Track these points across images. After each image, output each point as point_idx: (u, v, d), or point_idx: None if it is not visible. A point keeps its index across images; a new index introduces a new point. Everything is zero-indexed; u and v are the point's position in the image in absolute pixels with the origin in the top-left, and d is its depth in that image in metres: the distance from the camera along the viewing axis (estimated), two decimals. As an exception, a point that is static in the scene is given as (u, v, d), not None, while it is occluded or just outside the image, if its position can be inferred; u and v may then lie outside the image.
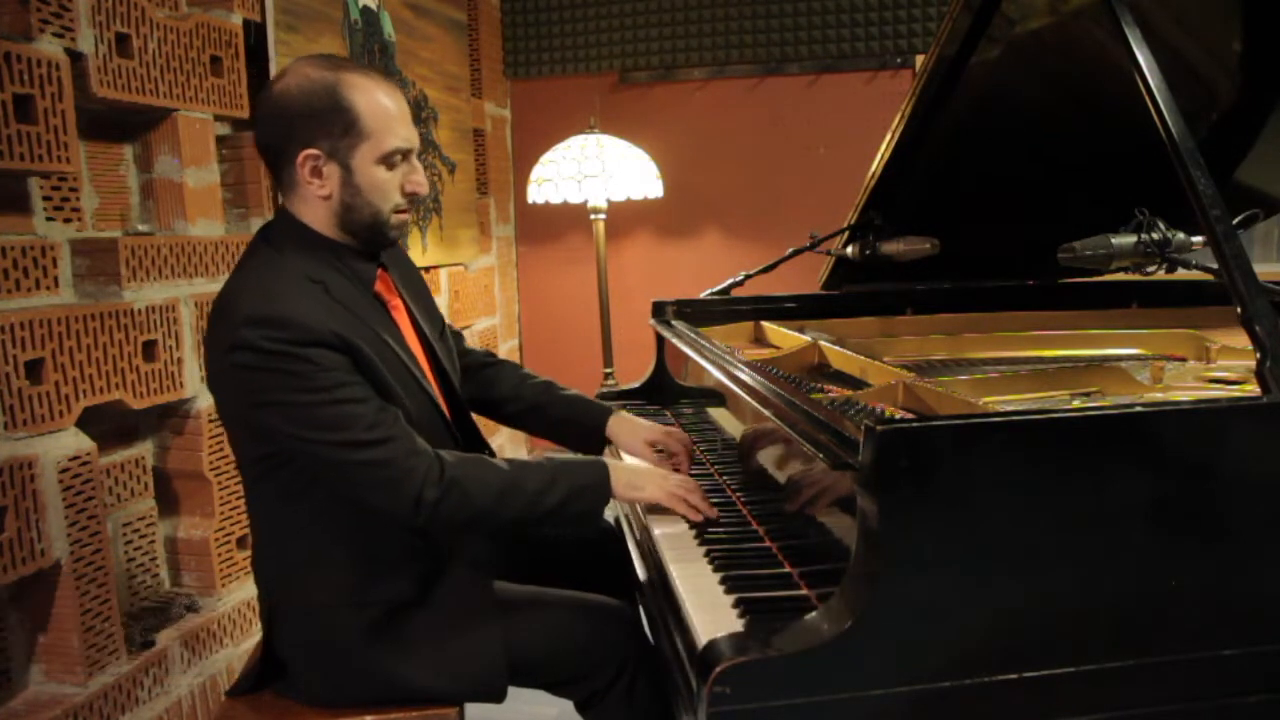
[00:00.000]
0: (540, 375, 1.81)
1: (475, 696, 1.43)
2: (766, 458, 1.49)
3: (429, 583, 1.44)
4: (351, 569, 1.41)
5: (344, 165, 1.37)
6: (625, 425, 1.70)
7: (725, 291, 2.35)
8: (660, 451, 1.67)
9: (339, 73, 1.37)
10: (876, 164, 2.08)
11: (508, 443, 3.86)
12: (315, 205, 1.40)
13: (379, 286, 1.48)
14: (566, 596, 1.51)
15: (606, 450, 1.75)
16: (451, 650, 1.41)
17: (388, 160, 1.39)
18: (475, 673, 1.41)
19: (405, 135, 1.40)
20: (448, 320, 1.73)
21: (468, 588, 1.46)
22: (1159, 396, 1.49)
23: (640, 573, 1.50)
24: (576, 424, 1.73)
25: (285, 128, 1.37)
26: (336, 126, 1.36)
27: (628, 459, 1.75)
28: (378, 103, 1.37)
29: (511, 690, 1.44)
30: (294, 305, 1.31)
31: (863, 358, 1.71)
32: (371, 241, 1.45)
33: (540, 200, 3.46)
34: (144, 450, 2.03)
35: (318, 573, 1.41)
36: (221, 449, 2.10)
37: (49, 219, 1.81)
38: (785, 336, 2.06)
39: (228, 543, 2.13)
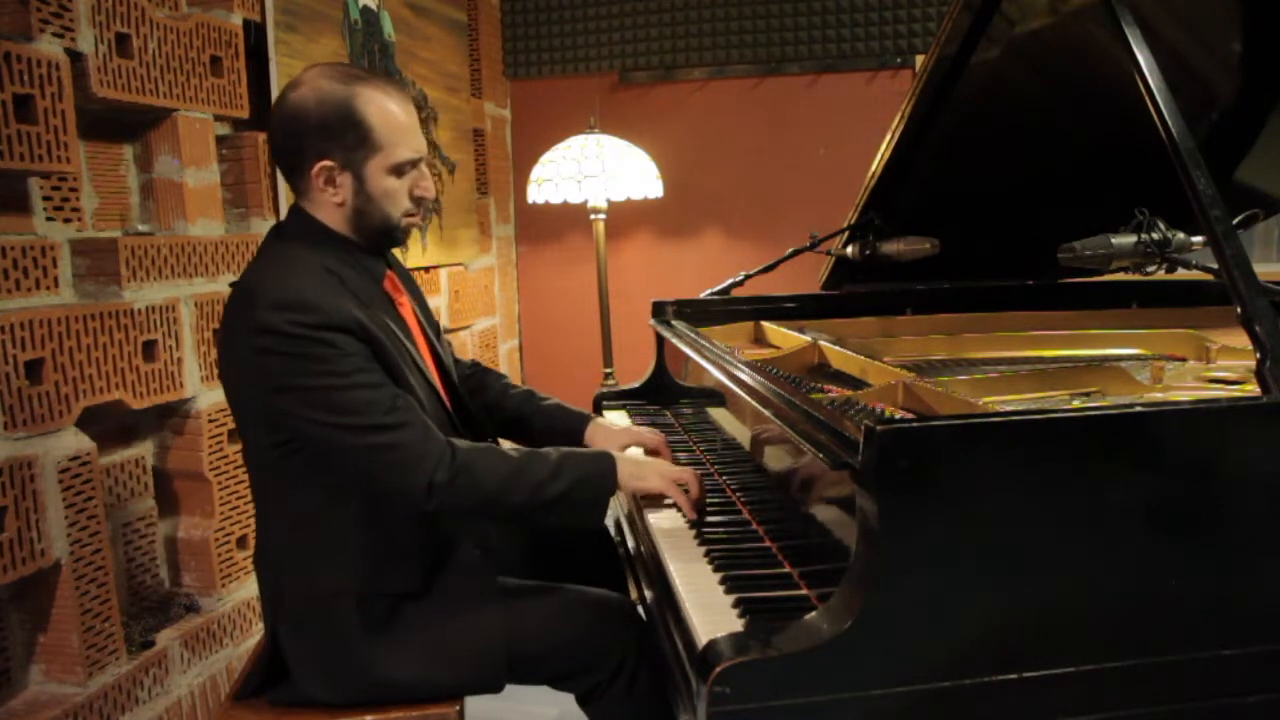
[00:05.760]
0: (520, 385, 1.85)
1: (473, 687, 1.44)
2: (767, 458, 1.49)
3: (433, 575, 1.46)
4: (359, 559, 1.42)
5: (357, 175, 1.43)
6: (601, 431, 1.74)
7: (725, 291, 2.36)
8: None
9: (352, 85, 1.41)
10: (876, 164, 2.08)
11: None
12: (329, 209, 1.46)
13: (387, 284, 1.54)
14: (567, 589, 1.52)
15: None
16: (451, 641, 1.42)
17: (398, 170, 1.44)
18: (473, 662, 1.42)
19: (415, 146, 1.46)
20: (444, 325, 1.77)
21: (470, 580, 1.47)
22: (1159, 396, 1.49)
23: (640, 572, 1.50)
24: (557, 433, 1.76)
25: (300, 140, 1.41)
26: (350, 139, 1.40)
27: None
28: (390, 115, 1.42)
29: (512, 689, 1.44)
30: (315, 291, 1.35)
31: (863, 358, 1.71)
32: (382, 243, 1.51)
33: (540, 200, 3.46)
34: (144, 450, 2.03)
35: (325, 563, 1.42)
36: (221, 449, 2.10)
37: (49, 219, 1.81)
38: (785, 336, 2.06)
39: (228, 543, 2.13)
